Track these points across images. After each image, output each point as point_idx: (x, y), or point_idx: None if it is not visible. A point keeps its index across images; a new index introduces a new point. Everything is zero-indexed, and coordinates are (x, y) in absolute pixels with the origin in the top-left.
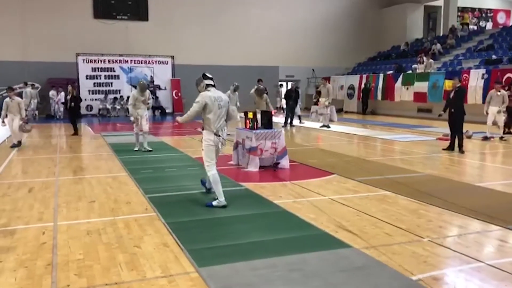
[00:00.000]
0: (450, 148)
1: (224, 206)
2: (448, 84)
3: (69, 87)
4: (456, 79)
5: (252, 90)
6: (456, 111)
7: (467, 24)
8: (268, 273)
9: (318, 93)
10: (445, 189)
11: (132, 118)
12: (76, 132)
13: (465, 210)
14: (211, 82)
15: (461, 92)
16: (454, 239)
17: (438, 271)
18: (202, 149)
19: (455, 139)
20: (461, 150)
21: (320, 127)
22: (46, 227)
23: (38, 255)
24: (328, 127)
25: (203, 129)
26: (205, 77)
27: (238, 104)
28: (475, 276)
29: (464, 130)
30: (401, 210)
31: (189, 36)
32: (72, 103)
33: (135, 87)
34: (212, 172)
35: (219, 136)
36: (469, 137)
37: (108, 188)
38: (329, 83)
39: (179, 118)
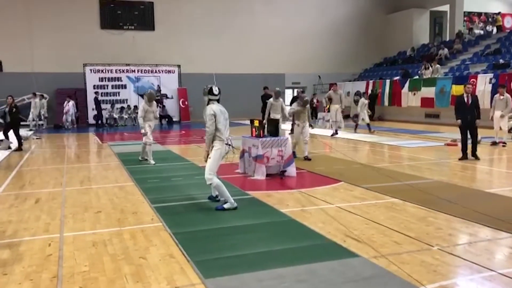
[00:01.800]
0: (465, 157)
1: (235, 208)
2: (457, 90)
3: (9, 98)
4: (469, 86)
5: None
6: (472, 118)
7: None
8: (275, 285)
9: (330, 100)
10: (454, 196)
11: (143, 131)
12: (20, 147)
13: (475, 217)
14: (215, 98)
15: (475, 99)
16: (464, 247)
17: (448, 281)
18: (209, 157)
19: (466, 147)
20: (475, 156)
21: (333, 135)
22: (52, 239)
23: (44, 267)
24: (336, 133)
25: (212, 141)
26: (210, 93)
27: (285, 112)
28: (486, 285)
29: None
30: (409, 218)
31: (195, 45)
32: (9, 116)
33: (142, 96)
34: (215, 180)
35: (229, 145)
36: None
37: (114, 198)
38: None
39: (206, 147)
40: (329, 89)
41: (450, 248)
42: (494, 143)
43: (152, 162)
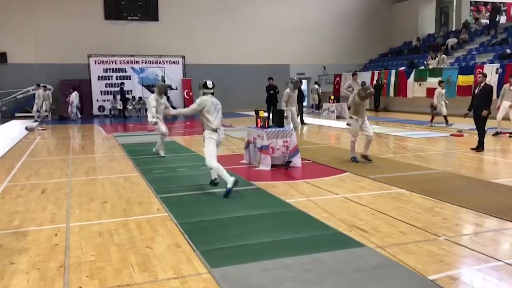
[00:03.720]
0: (480, 147)
1: (236, 182)
2: (463, 80)
3: None
4: (481, 75)
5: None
6: (479, 109)
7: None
8: (281, 274)
9: (351, 90)
10: (460, 186)
11: (154, 120)
12: None
13: (482, 207)
14: (210, 91)
15: (487, 89)
16: (471, 237)
17: (455, 271)
18: (204, 146)
19: (483, 137)
20: (479, 148)
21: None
22: (58, 229)
23: (51, 257)
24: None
25: (204, 130)
26: (205, 86)
27: (304, 101)
28: (493, 275)
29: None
30: (416, 208)
31: (200, 36)
32: None
33: (146, 87)
34: (214, 163)
35: (218, 133)
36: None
37: (120, 189)
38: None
39: (172, 111)
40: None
41: (457, 238)
42: (496, 133)
43: (163, 154)
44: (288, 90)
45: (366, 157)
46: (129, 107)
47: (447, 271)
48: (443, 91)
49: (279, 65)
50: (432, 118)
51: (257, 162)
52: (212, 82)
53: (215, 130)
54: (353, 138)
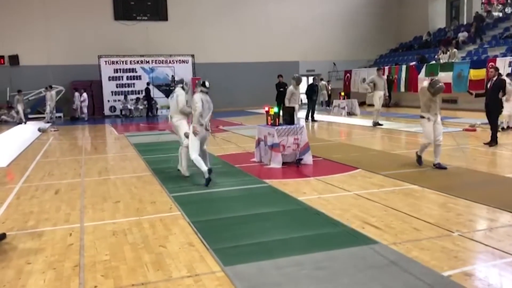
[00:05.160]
0: (493, 142)
1: (210, 170)
2: (474, 74)
3: None
4: (493, 69)
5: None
6: (491, 103)
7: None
8: (294, 272)
9: (373, 85)
10: (473, 181)
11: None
12: None
13: (495, 202)
14: (206, 90)
15: (499, 83)
16: (485, 232)
17: (469, 267)
18: (188, 138)
19: (496, 132)
20: (492, 143)
21: (380, 124)
22: (73, 229)
23: (66, 257)
24: (380, 124)
25: (191, 122)
26: (203, 85)
27: (301, 101)
28: (509, 271)
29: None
30: (429, 204)
31: (209, 35)
32: None
33: (156, 87)
34: (194, 156)
35: (208, 130)
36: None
37: (132, 188)
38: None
39: (194, 127)
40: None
41: (471, 234)
42: (503, 129)
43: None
44: (291, 87)
45: (439, 166)
46: (140, 106)
47: (461, 267)
48: None
49: (289, 62)
50: None
51: (268, 160)
52: (209, 83)
53: (205, 128)
54: (426, 140)
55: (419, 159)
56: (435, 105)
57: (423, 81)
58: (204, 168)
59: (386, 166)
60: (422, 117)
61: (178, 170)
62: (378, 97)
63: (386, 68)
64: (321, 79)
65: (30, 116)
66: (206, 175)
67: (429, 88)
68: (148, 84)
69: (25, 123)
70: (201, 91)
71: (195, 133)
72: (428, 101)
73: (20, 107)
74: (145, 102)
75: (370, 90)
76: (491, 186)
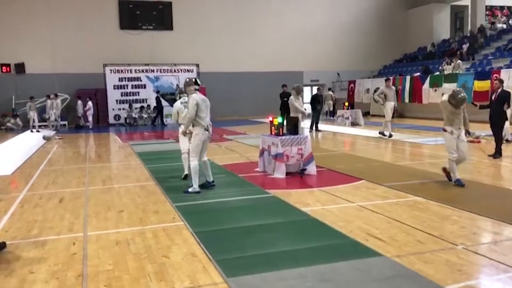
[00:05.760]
0: (497, 153)
1: (198, 192)
2: (479, 85)
3: None
4: (497, 81)
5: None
6: (495, 115)
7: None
8: (298, 284)
9: (384, 96)
10: (478, 194)
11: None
12: None
13: (500, 215)
14: (198, 88)
15: (504, 95)
16: (490, 246)
17: (474, 281)
18: (191, 142)
19: (500, 144)
20: (496, 155)
21: (384, 135)
22: (76, 238)
23: (69, 266)
24: (390, 136)
25: (193, 126)
26: (196, 83)
27: (305, 109)
28: None
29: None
30: (432, 216)
31: (213, 44)
32: None
33: (161, 96)
34: (195, 162)
35: (208, 131)
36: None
37: (136, 198)
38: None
39: (183, 130)
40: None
41: (475, 247)
42: (507, 141)
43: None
44: (292, 97)
45: (458, 181)
46: (144, 115)
47: (466, 281)
48: None
49: (293, 72)
50: None
51: (271, 170)
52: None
53: (206, 129)
54: (451, 155)
55: (457, 181)
56: (458, 119)
57: (443, 95)
58: (196, 184)
59: (390, 177)
60: (445, 130)
61: (186, 176)
62: (390, 108)
63: (391, 78)
64: (329, 89)
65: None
66: (191, 190)
67: (450, 100)
68: (158, 92)
69: (37, 130)
70: (195, 89)
71: (184, 133)
72: (450, 114)
73: (32, 114)
74: (149, 111)
75: (381, 101)
76: (496, 198)
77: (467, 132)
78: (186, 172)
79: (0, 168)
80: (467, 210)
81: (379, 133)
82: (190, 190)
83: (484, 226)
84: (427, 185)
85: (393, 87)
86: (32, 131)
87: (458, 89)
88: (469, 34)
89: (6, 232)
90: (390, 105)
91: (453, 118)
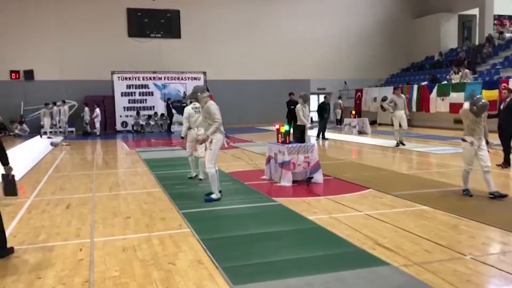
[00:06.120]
0: (506, 163)
1: (219, 199)
2: (487, 95)
3: None
4: (506, 90)
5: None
6: (504, 125)
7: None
8: None
9: (394, 105)
10: (486, 203)
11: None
12: None
13: (509, 225)
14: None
15: None
16: (499, 256)
17: None
18: (210, 149)
19: (509, 153)
20: (505, 165)
21: (403, 144)
22: (83, 244)
23: (76, 272)
24: (403, 144)
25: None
26: (208, 90)
27: (311, 118)
28: None
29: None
30: (440, 226)
31: (221, 52)
32: None
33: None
34: (213, 170)
35: (227, 136)
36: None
37: (143, 204)
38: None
39: (209, 135)
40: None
41: (484, 258)
42: None
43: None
44: (299, 105)
45: (498, 194)
46: (151, 122)
47: None
48: None
49: (300, 80)
50: None
51: (278, 178)
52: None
53: (225, 135)
54: (467, 166)
55: (465, 191)
56: (479, 128)
57: (464, 104)
58: (217, 190)
59: (397, 186)
60: (464, 140)
61: (192, 177)
62: (399, 116)
63: (400, 87)
64: (339, 97)
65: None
66: (216, 197)
67: (471, 108)
68: (168, 100)
69: (48, 136)
70: (207, 96)
71: (204, 141)
72: (471, 123)
73: (46, 120)
74: (156, 118)
75: (391, 110)
76: (505, 208)
77: (487, 142)
78: (192, 175)
79: None
80: (476, 219)
81: (398, 143)
82: (214, 197)
83: (493, 236)
84: (435, 195)
85: (403, 96)
86: (41, 137)
87: (477, 96)
88: (477, 43)
89: (14, 237)
90: (400, 114)
91: (474, 128)
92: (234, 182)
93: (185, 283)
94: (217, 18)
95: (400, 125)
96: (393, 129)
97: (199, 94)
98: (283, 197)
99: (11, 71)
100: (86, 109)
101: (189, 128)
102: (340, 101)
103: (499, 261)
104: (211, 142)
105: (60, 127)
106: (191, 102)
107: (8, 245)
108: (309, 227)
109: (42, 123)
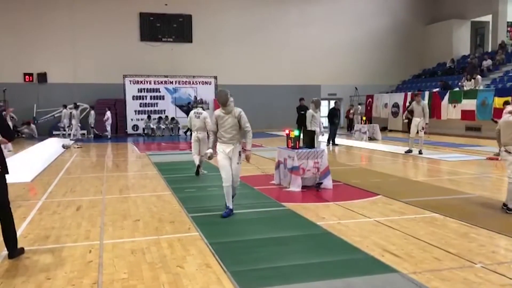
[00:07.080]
0: None
1: (231, 210)
2: (499, 102)
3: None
4: None
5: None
6: None
7: None
8: None
9: (410, 112)
10: (497, 212)
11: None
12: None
13: None
14: None
15: None
16: (509, 265)
17: None
18: (238, 163)
19: None
20: None
21: (406, 152)
22: (92, 245)
23: (85, 273)
24: (420, 152)
25: (238, 143)
26: (231, 96)
27: (322, 123)
28: None
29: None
30: (450, 234)
31: (232, 57)
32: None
33: (179, 107)
34: (228, 184)
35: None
36: None
37: (152, 207)
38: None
39: (249, 152)
40: (411, 99)
41: (494, 266)
42: None
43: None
44: (310, 110)
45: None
46: (162, 126)
47: None
48: None
49: (310, 85)
50: None
51: (287, 183)
52: None
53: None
54: (511, 179)
55: (507, 209)
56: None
57: (505, 114)
58: (231, 204)
59: (407, 193)
60: (508, 152)
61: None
62: (414, 124)
63: (409, 94)
64: (359, 104)
65: (54, 132)
66: (230, 208)
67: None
68: (188, 104)
69: (77, 138)
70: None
71: (211, 157)
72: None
73: (74, 122)
74: (167, 122)
75: (409, 116)
76: None
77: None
78: (197, 163)
79: (20, 175)
80: (486, 228)
81: (419, 152)
82: (232, 208)
83: (504, 244)
84: (445, 202)
85: (423, 102)
86: (72, 139)
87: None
88: (489, 50)
89: (24, 238)
90: (416, 121)
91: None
92: (243, 187)
93: (193, 287)
94: (229, 23)
95: (417, 132)
96: (402, 135)
97: (229, 98)
98: (292, 202)
99: (25, 74)
100: (92, 112)
101: (190, 131)
102: (359, 106)
103: (510, 270)
104: (239, 154)
105: (70, 130)
106: (196, 107)
107: (19, 246)
108: (318, 233)
109: (68, 125)
